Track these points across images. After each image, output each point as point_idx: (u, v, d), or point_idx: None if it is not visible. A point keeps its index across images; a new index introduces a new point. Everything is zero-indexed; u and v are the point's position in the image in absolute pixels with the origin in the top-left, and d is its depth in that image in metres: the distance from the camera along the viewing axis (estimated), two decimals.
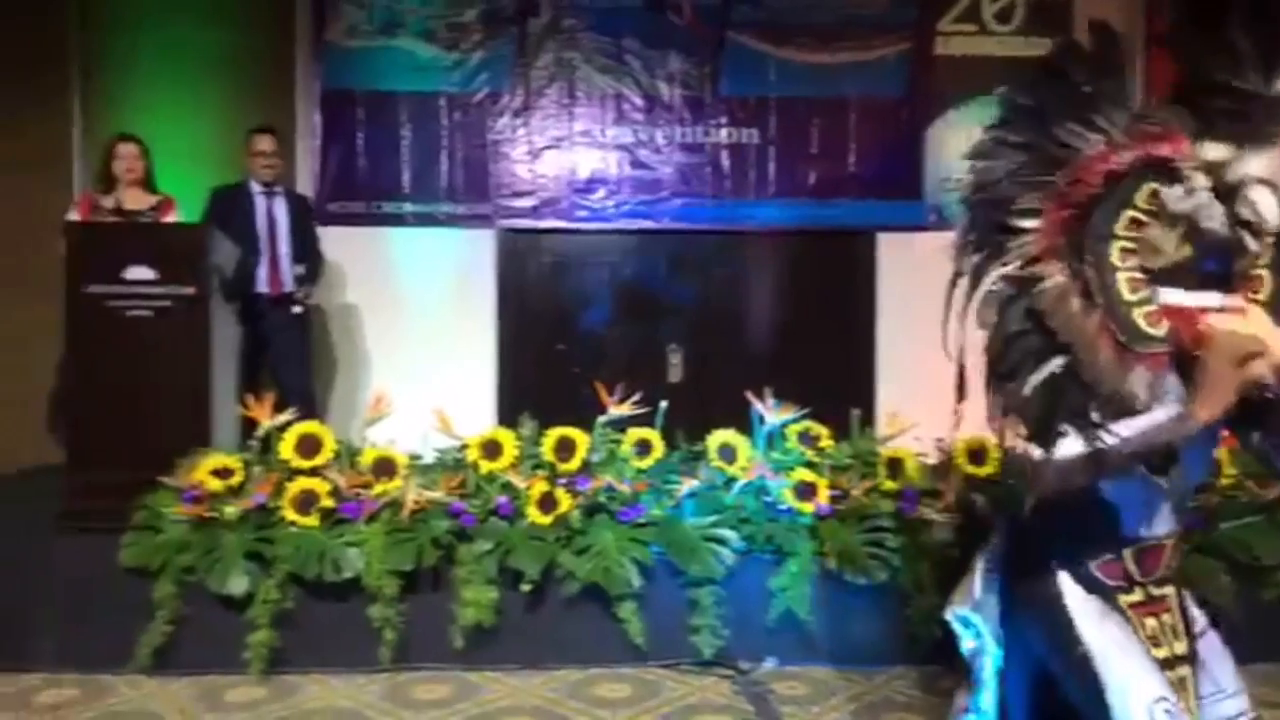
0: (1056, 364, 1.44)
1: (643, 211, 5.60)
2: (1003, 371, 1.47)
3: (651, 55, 5.59)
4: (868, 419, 3.68)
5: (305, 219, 4.76)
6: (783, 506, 3.16)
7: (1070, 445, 1.40)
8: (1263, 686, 2.63)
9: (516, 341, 5.61)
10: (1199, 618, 1.65)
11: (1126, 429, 1.39)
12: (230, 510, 3.02)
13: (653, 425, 3.37)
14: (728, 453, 3.29)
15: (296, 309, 4.55)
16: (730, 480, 3.25)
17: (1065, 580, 1.56)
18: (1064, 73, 1.49)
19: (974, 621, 1.68)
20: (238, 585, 2.91)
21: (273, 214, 4.59)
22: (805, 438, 3.38)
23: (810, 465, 3.29)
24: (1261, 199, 1.40)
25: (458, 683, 2.92)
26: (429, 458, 3.32)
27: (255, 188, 4.60)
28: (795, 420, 3.40)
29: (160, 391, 3.39)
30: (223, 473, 3.08)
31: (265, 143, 4.60)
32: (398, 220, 5.51)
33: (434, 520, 3.06)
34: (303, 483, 3.07)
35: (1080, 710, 1.55)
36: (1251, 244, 1.43)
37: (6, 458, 4.70)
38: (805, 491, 3.17)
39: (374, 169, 5.49)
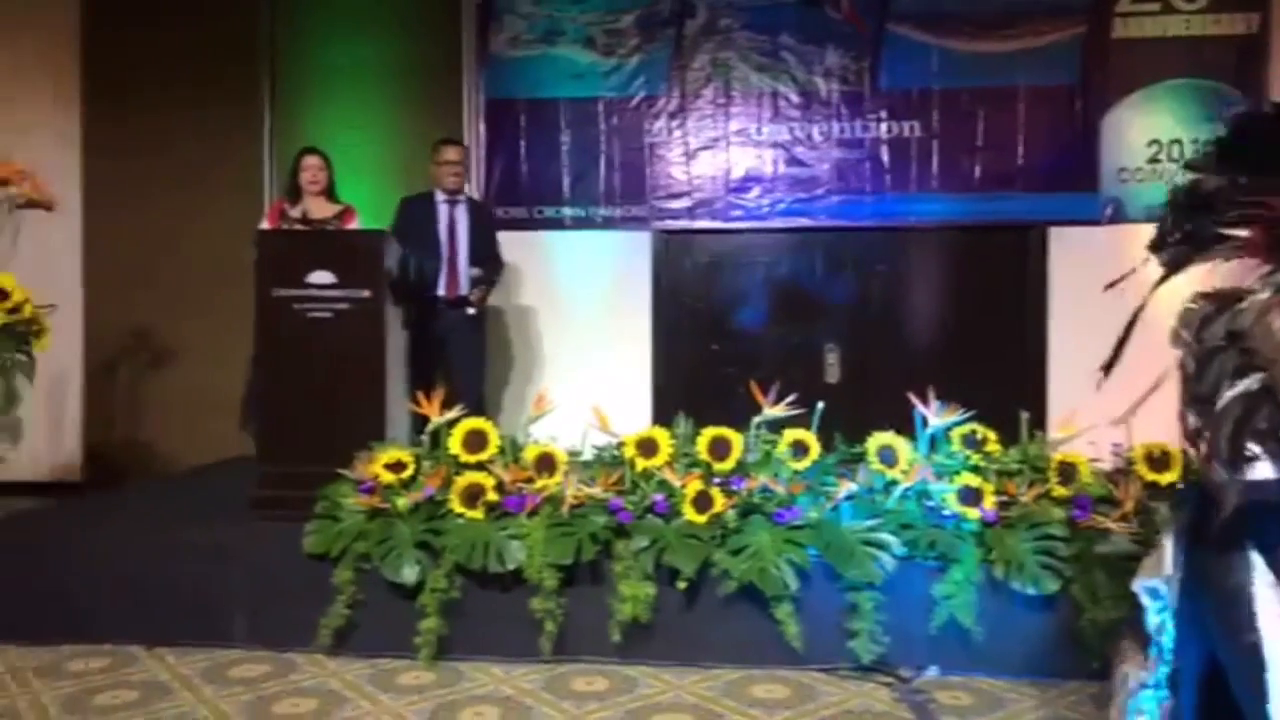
0: (1252, 381, 1.40)
1: (799, 209, 5.55)
2: (1199, 391, 1.44)
3: (808, 51, 5.53)
4: (1038, 422, 3.52)
5: (484, 224, 4.96)
6: (946, 512, 3.06)
7: (1263, 469, 1.36)
8: None
9: (672, 341, 5.66)
10: None
11: None
12: (402, 502, 3.17)
13: (809, 426, 3.33)
14: (888, 455, 3.21)
15: (470, 310, 4.74)
16: (890, 484, 3.18)
17: (1258, 565, 1.49)
18: None
19: (1163, 594, 1.64)
20: (409, 574, 3.05)
21: (454, 220, 4.80)
22: (970, 441, 3.26)
23: (976, 470, 3.17)
24: None
25: (615, 676, 2.98)
26: (588, 454, 3.40)
27: (439, 196, 4.83)
28: (960, 423, 3.29)
29: (339, 389, 3.59)
30: (396, 466, 3.24)
31: (451, 153, 4.84)
32: (557, 224, 5.66)
33: (592, 515, 3.12)
34: (469, 477, 3.20)
35: (1240, 700, 1.49)
36: None
37: (211, 448, 5.12)
38: (970, 497, 3.06)
39: (535, 175, 5.67)
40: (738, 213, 5.59)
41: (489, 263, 4.88)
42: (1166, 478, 3.01)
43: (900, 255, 5.64)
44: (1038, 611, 2.94)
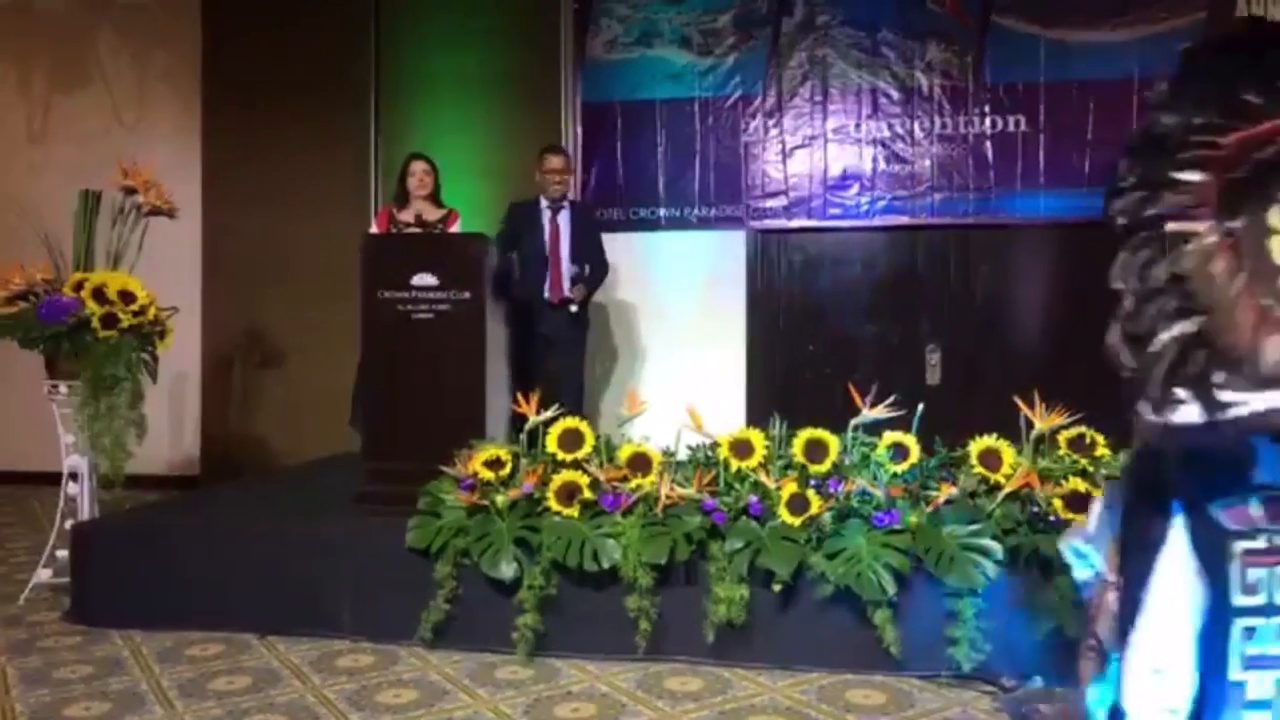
0: (1190, 325, 1.41)
1: (898, 207, 5.45)
2: (1134, 330, 1.45)
3: (909, 45, 5.43)
4: None
5: (588, 228, 5.02)
6: (1052, 518, 2.96)
7: (1187, 412, 1.38)
8: None
9: (767, 342, 5.62)
10: None
11: (1246, 406, 1.35)
12: (501, 499, 3.23)
13: (909, 429, 3.27)
14: (991, 459, 3.12)
15: (573, 309, 4.80)
16: (993, 488, 3.09)
17: (1176, 529, 1.56)
18: (1249, 41, 1.45)
19: (1086, 552, 1.74)
20: (507, 570, 3.10)
21: (557, 225, 4.88)
22: (1078, 445, 3.15)
23: (1084, 474, 3.06)
24: None
25: (709, 677, 2.97)
26: (682, 454, 3.40)
27: (544, 202, 4.91)
28: (1067, 426, 3.18)
29: (441, 388, 3.68)
30: (495, 464, 3.29)
31: (554, 161, 4.92)
32: (653, 225, 5.68)
33: (687, 516, 3.12)
34: (566, 475, 3.23)
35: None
36: None
37: (320, 445, 5.31)
38: (1078, 502, 2.95)
39: (631, 176, 5.70)
40: (835, 211, 5.52)
41: (594, 266, 4.94)
42: None
43: (1005, 253, 5.48)
44: None
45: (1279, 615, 1.54)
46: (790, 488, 3.10)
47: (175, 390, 6.09)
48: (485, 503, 3.25)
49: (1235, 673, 1.52)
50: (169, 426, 6.09)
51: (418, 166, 4.70)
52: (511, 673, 3.02)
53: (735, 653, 3.03)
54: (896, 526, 3.01)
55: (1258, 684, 1.53)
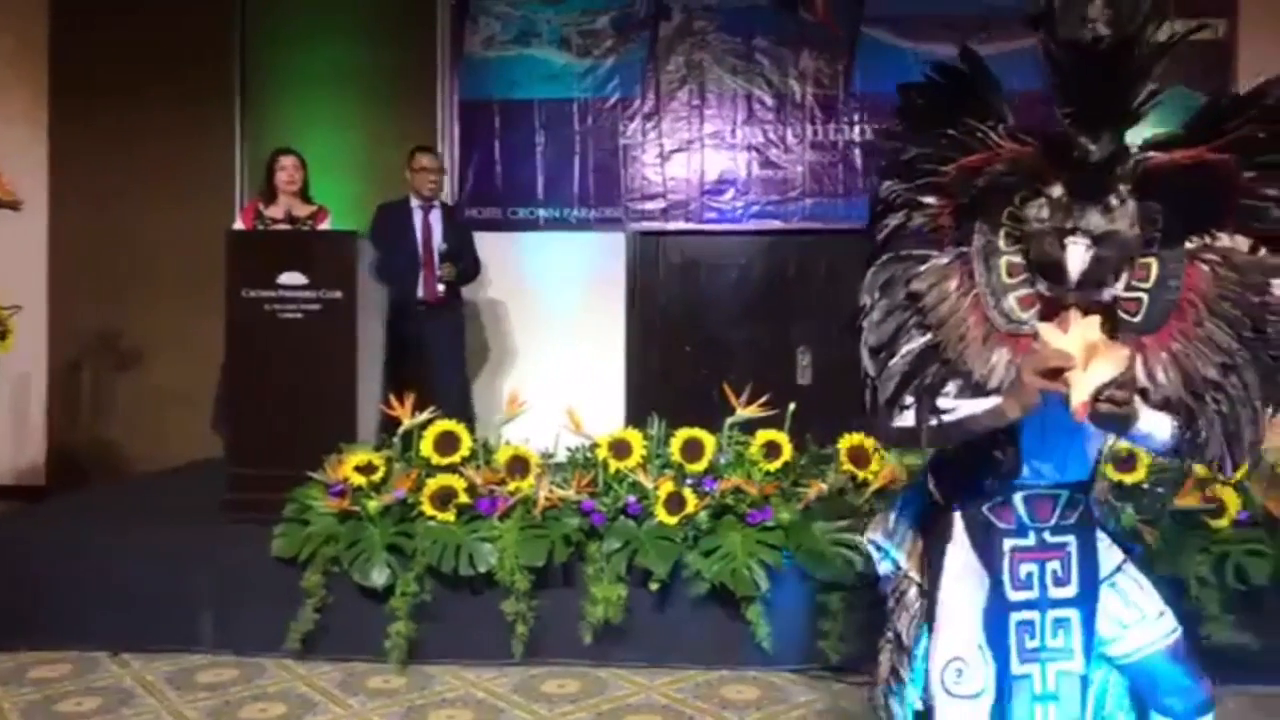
0: (922, 341, 1.53)
1: (772, 212, 5.56)
2: (874, 342, 1.57)
3: (783, 53, 5.55)
4: None
5: (459, 228, 4.99)
6: None
7: (907, 417, 1.52)
8: None
9: (645, 343, 5.66)
10: (1114, 558, 1.72)
11: (953, 413, 1.49)
12: (373, 504, 3.15)
13: (781, 427, 3.34)
14: (859, 456, 3.22)
15: (440, 288, 4.73)
16: (861, 484, 3.19)
17: (958, 526, 1.67)
18: (945, 82, 1.57)
19: (886, 547, 1.83)
20: (379, 577, 3.03)
21: (429, 225, 4.81)
22: None
23: None
24: (1072, 254, 1.43)
25: (587, 678, 2.97)
26: (561, 456, 3.39)
27: (414, 202, 4.82)
28: None
29: (310, 390, 3.56)
30: (366, 468, 3.20)
31: (426, 160, 4.86)
32: (531, 225, 5.64)
33: (565, 518, 3.12)
34: (441, 479, 3.17)
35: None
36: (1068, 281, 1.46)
37: (179, 450, 5.06)
38: None
39: (509, 175, 5.65)
40: (711, 215, 5.60)
41: (466, 264, 4.88)
42: (1132, 477, 3.03)
43: None
44: None
45: (1053, 608, 1.63)
46: (667, 487, 3.13)
47: (17, 394, 5.70)
48: (356, 509, 3.16)
49: (1016, 666, 1.61)
50: (11, 432, 5.70)
51: (287, 161, 4.53)
52: (384, 681, 2.95)
53: (612, 653, 3.03)
54: (769, 523, 3.07)
55: (1041, 677, 1.61)
